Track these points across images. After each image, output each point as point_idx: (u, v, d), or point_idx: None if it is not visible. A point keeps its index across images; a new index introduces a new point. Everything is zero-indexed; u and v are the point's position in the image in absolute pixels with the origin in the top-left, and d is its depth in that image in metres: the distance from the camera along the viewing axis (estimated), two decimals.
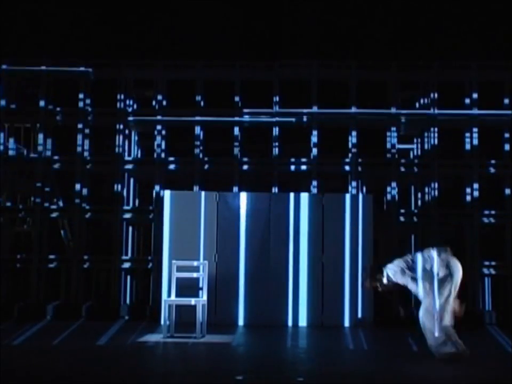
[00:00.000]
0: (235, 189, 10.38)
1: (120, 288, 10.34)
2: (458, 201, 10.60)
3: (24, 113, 10.89)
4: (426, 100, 10.74)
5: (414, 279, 6.98)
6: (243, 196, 9.80)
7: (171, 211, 9.65)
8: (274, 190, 10.40)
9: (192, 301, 8.61)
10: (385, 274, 7.07)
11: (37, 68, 10.66)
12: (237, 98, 10.69)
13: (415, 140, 11.20)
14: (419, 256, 7.08)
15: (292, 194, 9.79)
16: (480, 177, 10.40)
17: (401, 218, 10.35)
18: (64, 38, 10.83)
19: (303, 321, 9.56)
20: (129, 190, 10.83)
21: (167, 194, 9.72)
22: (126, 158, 10.66)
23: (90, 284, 10.66)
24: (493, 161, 10.47)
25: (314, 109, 10.59)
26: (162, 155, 10.64)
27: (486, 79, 10.59)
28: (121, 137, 10.64)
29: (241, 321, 9.48)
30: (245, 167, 10.61)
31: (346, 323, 9.55)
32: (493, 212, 10.36)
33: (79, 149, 10.60)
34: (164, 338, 8.25)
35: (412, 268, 7.05)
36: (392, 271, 7.03)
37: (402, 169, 10.58)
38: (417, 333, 7.19)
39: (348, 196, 9.87)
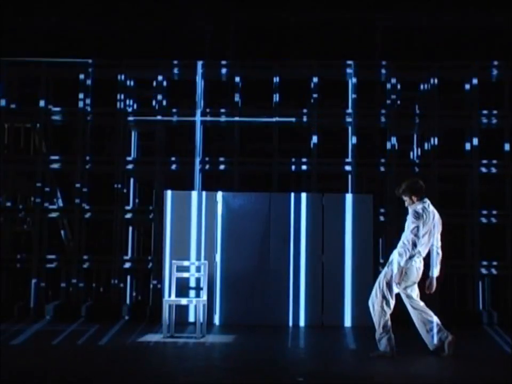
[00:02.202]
0: (235, 189, 10.38)
1: (120, 288, 10.34)
2: (458, 200, 10.60)
3: (24, 113, 10.89)
4: (425, 100, 10.76)
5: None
6: (243, 196, 9.81)
7: (172, 211, 9.67)
8: (274, 190, 10.39)
9: (193, 301, 8.63)
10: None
11: (37, 67, 10.67)
12: (236, 98, 10.71)
13: (415, 140, 11.20)
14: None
15: (292, 194, 9.81)
16: (480, 177, 10.40)
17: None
18: (64, 38, 10.83)
19: (303, 321, 9.57)
20: (129, 190, 10.83)
21: (167, 194, 9.74)
22: (126, 158, 10.65)
23: (90, 284, 10.66)
24: (493, 161, 10.48)
25: (314, 109, 10.61)
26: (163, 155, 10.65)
27: (486, 79, 10.63)
28: (121, 137, 10.64)
29: (241, 321, 9.47)
30: (245, 167, 10.62)
31: (347, 323, 9.56)
32: (493, 212, 10.36)
33: (79, 148, 10.60)
34: (164, 338, 8.26)
35: None
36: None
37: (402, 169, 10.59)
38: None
39: (347, 196, 9.88)
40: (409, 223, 7.11)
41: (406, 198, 7.30)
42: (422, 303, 7.18)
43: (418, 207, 7.15)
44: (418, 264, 7.12)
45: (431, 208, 7.21)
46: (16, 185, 11.04)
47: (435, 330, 7.06)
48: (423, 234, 7.08)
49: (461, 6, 10.67)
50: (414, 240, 7.02)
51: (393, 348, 7.02)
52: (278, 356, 7.39)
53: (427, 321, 7.08)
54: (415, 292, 7.19)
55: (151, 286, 10.34)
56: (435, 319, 7.09)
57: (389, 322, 7.06)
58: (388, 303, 7.08)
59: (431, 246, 7.22)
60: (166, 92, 10.78)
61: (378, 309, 7.09)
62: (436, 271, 7.23)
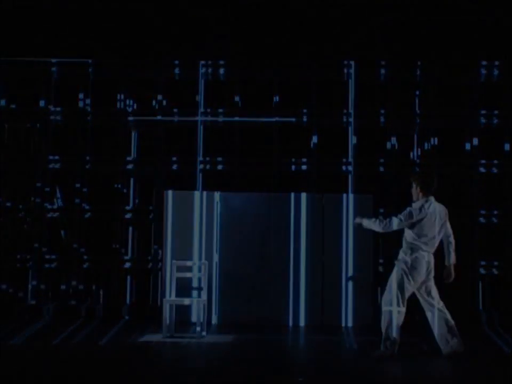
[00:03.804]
0: (235, 189, 10.38)
1: (120, 288, 10.34)
2: (458, 200, 10.60)
3: (24, 113, 10.89)
4: (425, 100, 10.77)
5: None
6: (243, 196, 9.82)
7: (172, 211, 9.69)
8: (274, 190, 10.39)
9: (194, 301, 8.64)
10: None
11: (37, 67, 10.68)
12: (236, 98, 10.72)
13: (415, 140, 11.20)
14: None
15: (292, 195, 9.81)
16: (480, 177, 10.42)
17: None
18: (63, 37, 10.82)
19: (303, 321, 9.58)
20: (129, 190, 10.84)
21: (168, 194, 9.76)
22: (126, 158, 10.67)
23: (90, 284, 10.66)
24: (494, 161, 10.49)
25: (314, 109, 10.62)
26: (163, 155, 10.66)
27: (487, 79, 10.65)
28: (121, 137, 10.65)
29: (240, 321, 9.48)
30: (245, 167, 10.62)
31: (347, 323, 9.57)
32: (494, 212, 10.36)
33: (79, 148, 10.61)
34: (163, 338, 8.26)
35: None
36: None
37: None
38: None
39: (347, 196, 9.89)
40: (402, 213, 7.17)
41: (413, 186, 7.32)
42: (442, 303, 7.16)
43: (416, 207, 7.19)
44: (427, 258, 7.11)
45: (432, 208, 7.19)
46: (16, 185, 11.04)
47: (451, 335, 7.02)
48: (425, 231, 7.09)
49: (461, 5, 10.66)
50: (397, 221, 7.17)
51: (395, 349, 7.00)
52: (278, 356, 7.39)
53: (445, 324, 7.04)
54: (434, 289, 7.16)
55: (151, 286, 10.35)
56: (453, 323, 7.07)
57: (396, 323, 7.00)
58: (398, 303, 7.03)
59: (443, 237, 7.23)
60: (167, 91, 10.79)
61: (390, 308, 7.04)
62: (451, 259, 7.23)
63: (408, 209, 7.22)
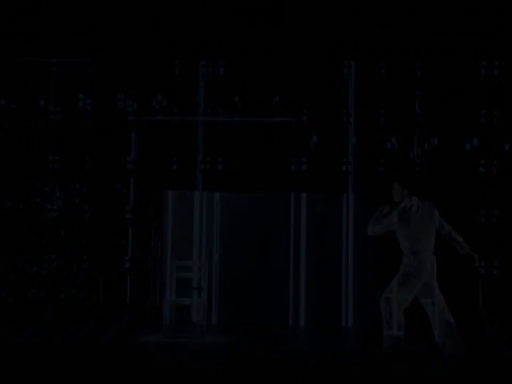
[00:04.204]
0: (235, 189, 10.38)
1: (120, 288, 10.34)
2: (458, 200, 10.60)
3: (24, 113, 10.89)
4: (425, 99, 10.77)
5: None
6: (243, 196, 9.82)
7: (172, 211, 9.70)
8: (274, 190, 10.39)
9: (194, 301, 8.64)
10: None
11: (37, 67, 10.68)
12: (236, 98, 10.73)
13: (415, 140, 11.20)
14: None
15: (292, 195, 9.81)
16: (480, 177, 10.43)
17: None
18: (63, 37, 10.82)
19: (302, 321, 9.58)
20: (129, 190, 10.84)
21: (168, 194, 9.77)
22: (126, 158, 10.68)
23: (90, 284, 10.66)
24: (493, 161, 10.50)
25: (314, 109, 10.63)
26: (163, 155, 10.67)
27: (487, 78, 10.64)
28: (121, 137, 10.66)
29: (240, 321, 9.48)
30: (245, 167, 10.62)
31: (347, 323, 9.58)
32: (494, 212, 10.37)
33: (79, 148, 10.62)
34: (164, 338, 8.26)
35: None
36: None
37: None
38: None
39: (347, 196, 9.89)
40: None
41: (395, 187, 7.29)
42: (446, 308, 7.13)
43: (400, 208, 7.18)
44: (430, 259, 7.09)
45: (414, 208, 7.18)
46: (16, 185, 11.03)
47: (451, 341, 7.02)
48: (414, 231, 7.07)
49: (461, 5, 10.66)
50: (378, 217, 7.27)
51: (399, 346, 6.97)
52: (278, 356, 7.39)
53: (447, 329, 7.03)
54: (437, 292, 7.11)
55: (151, 286, 10.35)
56: (455, 327, 7.06)
57: (398, 319, 6.99)
58: (399, 289, 7.01)
59: (444, 235, 7.20)
60: (167, 91, 10.79)
61: (392, 305, 7.01)
62: (464, 247, 7.24)
63: (392, 212, 7.22)
